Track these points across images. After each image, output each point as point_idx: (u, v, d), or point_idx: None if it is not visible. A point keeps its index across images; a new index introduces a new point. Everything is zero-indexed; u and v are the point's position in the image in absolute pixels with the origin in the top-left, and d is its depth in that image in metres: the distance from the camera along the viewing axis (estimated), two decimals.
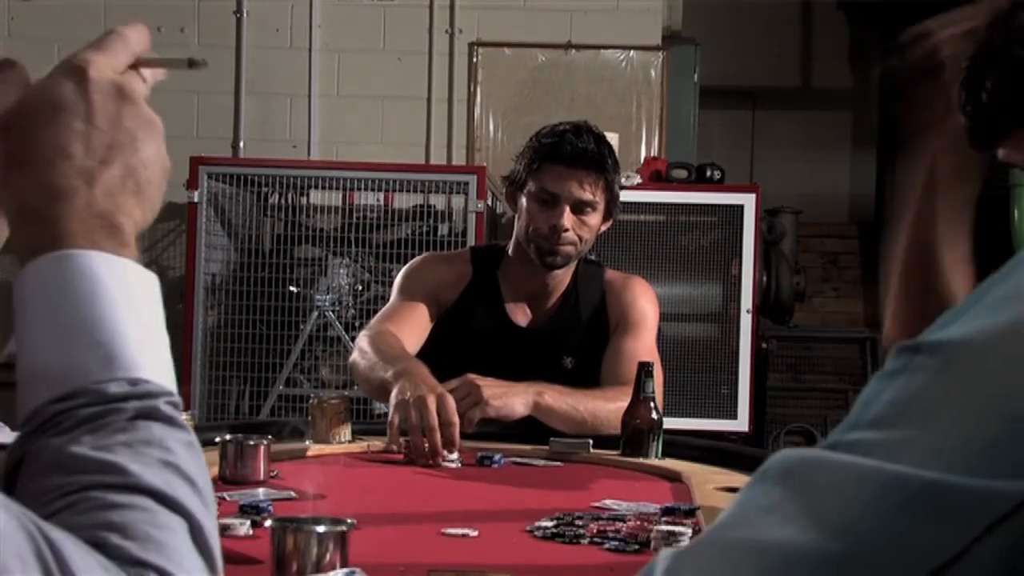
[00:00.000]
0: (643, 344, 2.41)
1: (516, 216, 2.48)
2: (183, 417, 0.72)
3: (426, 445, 1.95)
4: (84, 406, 0.68)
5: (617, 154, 2.56)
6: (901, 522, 0.63)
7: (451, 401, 1.98)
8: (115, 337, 0.70)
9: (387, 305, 2.48)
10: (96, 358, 0.69)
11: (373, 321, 2.44)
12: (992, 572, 0.63)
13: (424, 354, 2.33)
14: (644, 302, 2.48)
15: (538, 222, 2.40)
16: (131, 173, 0.75)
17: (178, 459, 0.69)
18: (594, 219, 2.42)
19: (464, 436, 2.10)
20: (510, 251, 2.51)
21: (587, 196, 2.38)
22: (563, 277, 2.48)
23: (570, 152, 2.38)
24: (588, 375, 2.35)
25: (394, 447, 2.00)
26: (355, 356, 2.31)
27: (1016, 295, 0.67)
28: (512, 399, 2.13)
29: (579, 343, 2.45)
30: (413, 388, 2.01)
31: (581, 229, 2.40)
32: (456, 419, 1.96)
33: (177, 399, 0.72)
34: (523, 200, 2.44)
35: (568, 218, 2.37)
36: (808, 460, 0.68)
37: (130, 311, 0.71)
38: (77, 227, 0.72)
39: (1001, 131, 1.04)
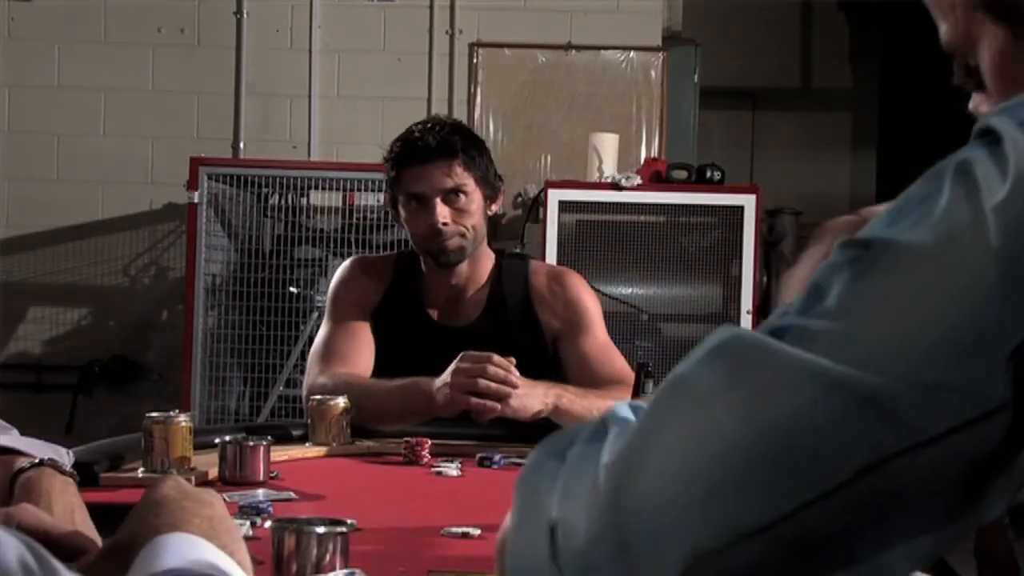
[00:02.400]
0: (599, 339, 2.43)
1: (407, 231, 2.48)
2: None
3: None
4: None
5: (616, 155, 2.56)
6: (833, 427, 0.66)
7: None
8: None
9: (322, 336, 2.44)
10: None
11: (316, 361, 2.39)
12: (915, 482, 0.66)
13: None
14: (583, 297, 2.46)
15: (416, 226, 2.40)
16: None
17: None
18: (471, 203, 2.40)
19: (464, 436, 2.10)
20: (421, 262, 2.49)
21: (449, 183, 2.37)
22: (475, 273, 2.46)
23: (419, 149, 2.39)
24: (522, 374, 2.27)
25: (403, 449, 2.01)
26: (328, 385, 2.27)
27: (948, 207, 0.69)
28: (530, 401, 2.14)
29: (510, 342, 2.39)
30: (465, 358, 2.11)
31: (461, 218, 2.38)
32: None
33: None
34: (401, 212, 2.44)
35: (442, 211, 2.36)
36: (755, 347, 0.70)
37: None
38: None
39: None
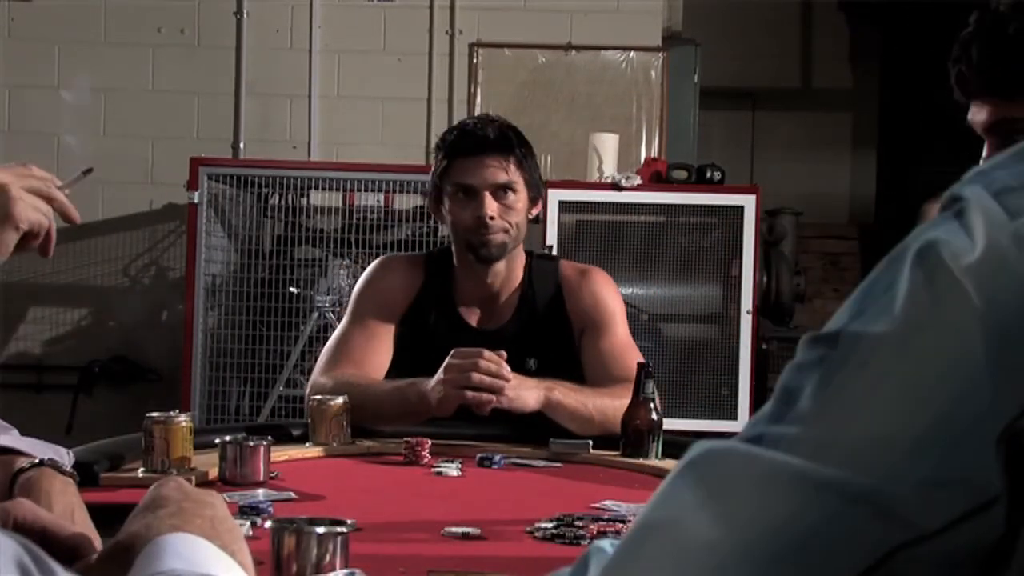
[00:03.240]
0: (619, 339, 2.41)
1: (447, 225, 2.45)
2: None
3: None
4: None
5: (616, 155, 2.57)
6: (828, 529, 0.64)
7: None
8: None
9: (339, 334, 2.43)
10: None
11: (325, 359, 2.38)
12: (923, 572, 0.63)
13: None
14: (607, 295, 2.45)
15: (462, 217, 2.38)
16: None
17: None
18: (518, 202, 2.39)
19: (464, 436, 2.10)
20: (455, 260, 2.47)
21: (502, 178, 2.37)
22: (510, 274, 2.44)
23: (474, 141, 2.38)
24: (552, 376, 2.29)
25: (403, 450, 2.00)
26: (328, 386, 2.26)
27: (912, 293, 0.67)
28: (525, 392, 2.14)
29: (541, 343, 2.41)
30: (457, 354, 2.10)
31: (507, 214, 2.38)
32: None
33: None
34: (446, 203, 2.42)
35: (490, 205, 2.36)
36: (735, 456, 0.68)
37: None
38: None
39: (974, 91, 1.33)
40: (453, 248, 2.46)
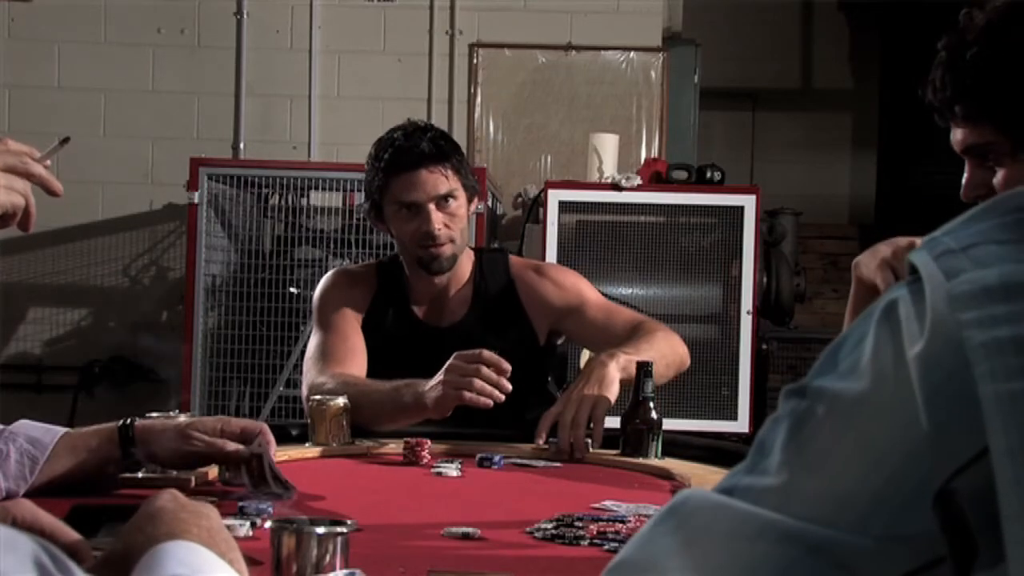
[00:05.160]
0: (598, 302, 2.51)
1: (393, 238, 2.47)
2: None
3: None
4: None
5: (616, 155, 2.57)
6: (798, 574, 0.67)
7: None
8: None
9: (316, 342, 2.44)
10: None
11: (313, 363, 2.38)
12: None
13: None
14: (565, 278, 2.52)
15: (408, 234, 2.40)
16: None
17: None
18: (460, 207, 2.42)
19: (464, 437, 2.10)
20: (405, 268, 2.49)
21: (443, 188, 2.38)
22: (457, 272, 2.48)
23: (410, 158, 2.38)
24: (513, 366, 2.26)
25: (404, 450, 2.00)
26: (328, 385, 2.27)
27: (875, 352, 0.70)
28: (611, 385, 2.15)
29: (497, 335, 2.41)
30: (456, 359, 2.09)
31: (452, 222, 2.40)
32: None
33: None
34: (389, 219, 2.43)
35: (436, 218, 2.38)
36: (709, 506, 0.72)
37: None
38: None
39: (942, 118, 1.33)
40: (403, 258, 2.49)
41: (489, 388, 2.05)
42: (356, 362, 2.38)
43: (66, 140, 1.53)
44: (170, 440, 1.61)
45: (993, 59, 1.25)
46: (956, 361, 0.65)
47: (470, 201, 2.46)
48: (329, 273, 2.57)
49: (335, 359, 2.36)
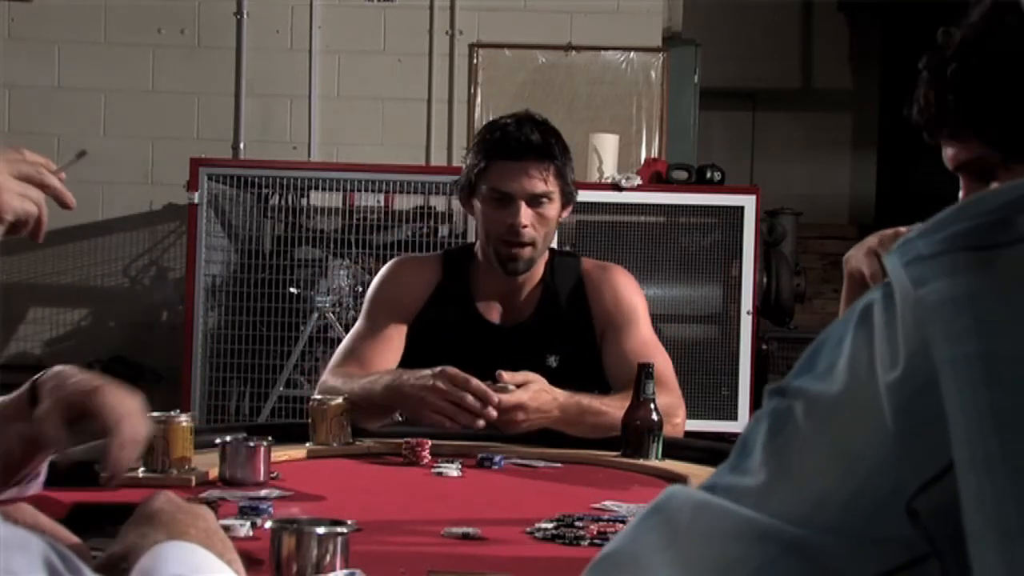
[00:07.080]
0: (642, 337, 2.36)
1: (477, 222, 2.41)
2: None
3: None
4: None
5: (616, 155, 2.54)
6: (770, 574, 0.68)
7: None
8: None
9: (351, 334, 2.40)
10: None
11: (340, 355, 2.36)
12: None
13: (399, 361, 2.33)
14: (629, 293, 2.40)
15: (495, 222, 2.33)
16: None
17: None
18: (551, 210, 2.34)
19: (464, 437, 2.10)
20: (478, 255, 2.43)
21: (540, 188, 2.31)
22: (531, 272, 2.39)
23: (515, 146, 2.30)
24: (572, 373, 2.27)
25: (404, 450, 2.00)
26: (335, 384, 2.25)
27: (852, 354, 0.70)
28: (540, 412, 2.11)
29: (562, 340, 2.37)
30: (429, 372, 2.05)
31: (540, 223, 2.32)
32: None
33: None
34: (477, 204, 2.37)
35: (525, 214, 2.30)
36: (693, 504, 0.73)
37: None
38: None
39: (938, 132, 1.30)
40: (479, 244, 2.42)
41: (467, 418, 2.03)
42: (381, 364, 2.31)
43: (83, 153, 1.54)
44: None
45: (972, 74, 1.23)
46: (923, 374, 0.65)
47: (563, 208, 2.38)
48: (391, 262, 2.49)
49: (357, 359, 2.32)
